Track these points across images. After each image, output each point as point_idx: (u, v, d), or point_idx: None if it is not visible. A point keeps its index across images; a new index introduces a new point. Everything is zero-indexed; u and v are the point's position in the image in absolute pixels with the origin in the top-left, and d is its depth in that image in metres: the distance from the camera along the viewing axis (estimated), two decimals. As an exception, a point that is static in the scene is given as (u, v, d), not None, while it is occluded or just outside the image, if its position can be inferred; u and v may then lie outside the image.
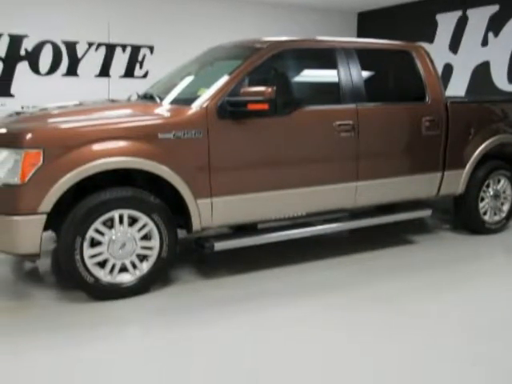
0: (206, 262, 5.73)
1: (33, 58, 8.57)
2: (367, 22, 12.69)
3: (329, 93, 5.76)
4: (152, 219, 4.70)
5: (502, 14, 10.10)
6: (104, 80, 9.13)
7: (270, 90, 4.84)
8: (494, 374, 3.58)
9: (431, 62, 6.29)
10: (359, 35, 12.92)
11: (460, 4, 10.75)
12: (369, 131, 5.64)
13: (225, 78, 5.07)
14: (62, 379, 3.48)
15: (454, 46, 10.87)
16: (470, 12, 10.61)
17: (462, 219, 6.89)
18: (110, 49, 9.15)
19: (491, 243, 6.57)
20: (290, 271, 5.43)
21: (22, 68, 8.52)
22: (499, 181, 6.80)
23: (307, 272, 5.42)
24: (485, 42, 10.31)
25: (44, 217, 4.35)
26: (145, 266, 4.77)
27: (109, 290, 4.67)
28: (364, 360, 3.74)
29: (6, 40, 8.37)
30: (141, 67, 9.54)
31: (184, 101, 5.11)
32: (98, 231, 4.56)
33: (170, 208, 4.82)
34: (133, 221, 4.68)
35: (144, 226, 4.71)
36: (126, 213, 4.62)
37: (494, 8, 10.19)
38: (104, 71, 9.14)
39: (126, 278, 4.72)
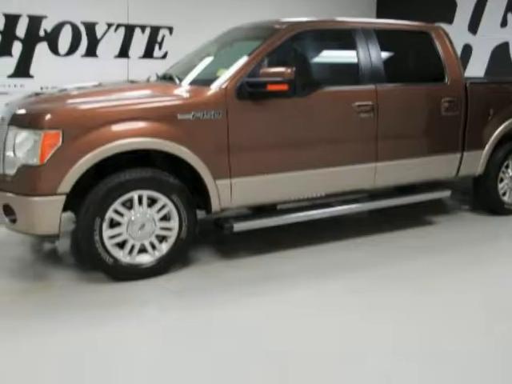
0: (225, 242, 5.75)
1: (52, 39, 8.54)
2: (387, 3, 12.55)
3: (348, 74, 5.73)
4: (171, 200, 4.70)
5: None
6: (123, 61, 9.09)
7: (289, 70, 4.82)
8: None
9: (450, 42, 6.23)
10: (378, 16, 12.80)
11: (479, -15, 10.59)
12: (388, 112, 5.61)
13: (244, 59, 5.05)
14: (81, 358, 3.51)
15: (473, 26, 10.74)
16: (490, -8, 10.46)
17: (481, 200, 6.85)
18: (129, 30, 9.09)
19: (510, 224, 6.55)
20: (309, 252, 5.44)
21: (41, 49, 8.49)
22: (519, 162, 6.74)
23: (326, 253, 5.42)
24: (504, 23, 10.16)
25: (63, 198, 4.37)
26: (164, 247, 4.79)
27: (128, 271, 4.69)
28: (384, 340, 3.74)
29: (25, 21, 8.34)
30: (160, 48, 9.48)
31: (203, 81, 5.10)
32: (117, 212, 4.57)
33: (189, 189, 4.83)
34: (152, 202, 4.69)
35: (163, 207, 4.72)
36: (146, 194, 4.63)
37: (514, -12, 10.03)
38: (123, 52, 9.10)
39: (146, 259, 4.74)
